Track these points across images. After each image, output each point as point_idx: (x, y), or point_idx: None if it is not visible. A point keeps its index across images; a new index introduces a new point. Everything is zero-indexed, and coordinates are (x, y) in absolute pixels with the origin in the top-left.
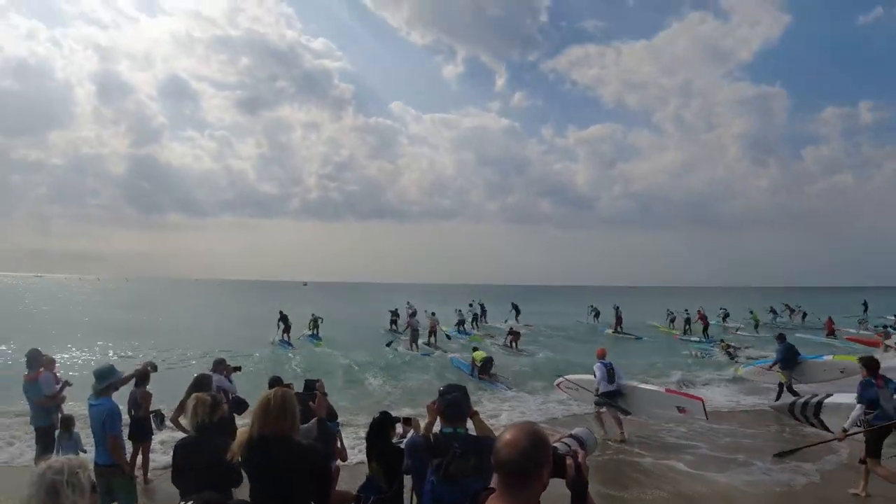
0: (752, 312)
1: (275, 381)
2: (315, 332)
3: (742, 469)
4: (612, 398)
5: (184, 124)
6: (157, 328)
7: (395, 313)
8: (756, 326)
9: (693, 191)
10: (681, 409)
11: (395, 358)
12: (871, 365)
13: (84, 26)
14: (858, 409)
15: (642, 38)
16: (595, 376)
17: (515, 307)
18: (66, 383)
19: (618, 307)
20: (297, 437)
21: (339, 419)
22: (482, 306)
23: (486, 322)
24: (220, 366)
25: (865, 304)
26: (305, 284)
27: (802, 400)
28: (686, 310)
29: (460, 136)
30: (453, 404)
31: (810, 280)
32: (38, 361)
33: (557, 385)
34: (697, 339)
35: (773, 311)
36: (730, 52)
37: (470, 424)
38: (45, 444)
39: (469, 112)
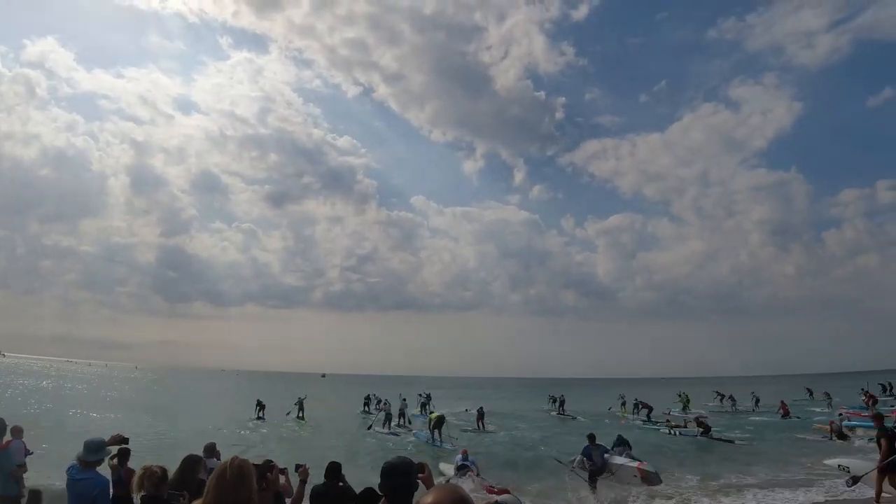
0: (680, 395)
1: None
2: (300, 413)
3: None
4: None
5: (213, 216)
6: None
7: (367, 399)
8: (684, 408)
9: (717, 280)
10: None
11: (373, 439)
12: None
13: (121, 121)
14: (583, 459)
15: (656, 131)
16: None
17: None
18: (30, 452)
19: (562, 395)
20: None
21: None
22: (429, 395)
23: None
24: (211, 451)
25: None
26: (324, 376)
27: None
28: (636, 398)
29: (481, 228)
30: (393, 487)
31: (845, 365)
32: (3, 429)
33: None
34: (642, 420)
35: (731, 397)
36: (744, 141)
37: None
38: None
39: (490, 205)
